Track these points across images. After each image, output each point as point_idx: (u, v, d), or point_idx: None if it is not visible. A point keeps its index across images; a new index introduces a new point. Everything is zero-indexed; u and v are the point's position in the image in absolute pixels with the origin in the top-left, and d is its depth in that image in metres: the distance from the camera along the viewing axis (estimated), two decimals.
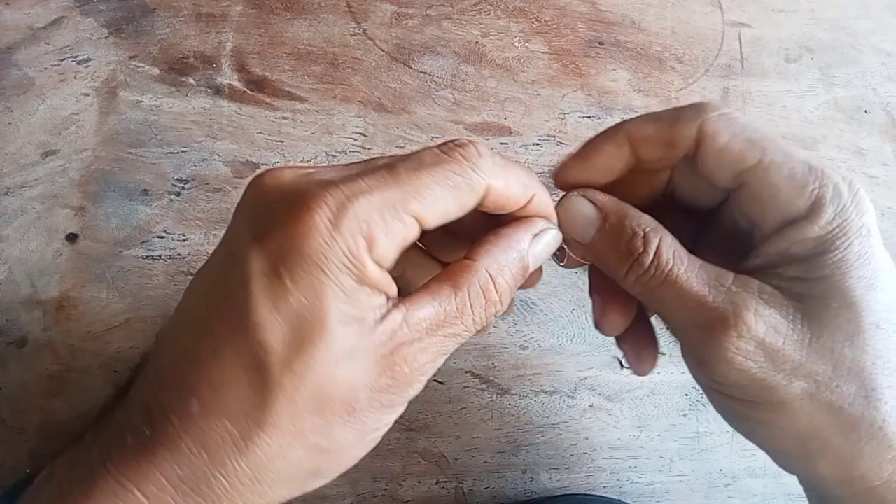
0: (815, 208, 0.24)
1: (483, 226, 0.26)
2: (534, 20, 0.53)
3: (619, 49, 0.53)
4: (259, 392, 0.21)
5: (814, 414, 0.23)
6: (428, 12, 0.52)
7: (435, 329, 0.23)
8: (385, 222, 0.21)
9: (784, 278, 0.24)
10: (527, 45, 0.52)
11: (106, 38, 0.47)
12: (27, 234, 0.42)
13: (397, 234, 0.22)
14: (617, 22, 0.54)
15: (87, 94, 0.46)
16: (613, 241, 0.26)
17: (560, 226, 0.27)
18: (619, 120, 0.51)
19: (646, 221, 0.26)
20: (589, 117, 0.50)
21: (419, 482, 0.40)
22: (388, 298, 0.22)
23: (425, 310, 0.23)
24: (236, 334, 0.21)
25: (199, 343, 0.22)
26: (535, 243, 0.25)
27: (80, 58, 0.46)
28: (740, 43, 0.55)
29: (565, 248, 0.27)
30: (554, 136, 0.49)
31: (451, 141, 0.24)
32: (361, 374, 0.22)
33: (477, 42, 0.51)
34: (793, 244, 0.24)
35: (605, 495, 0.41)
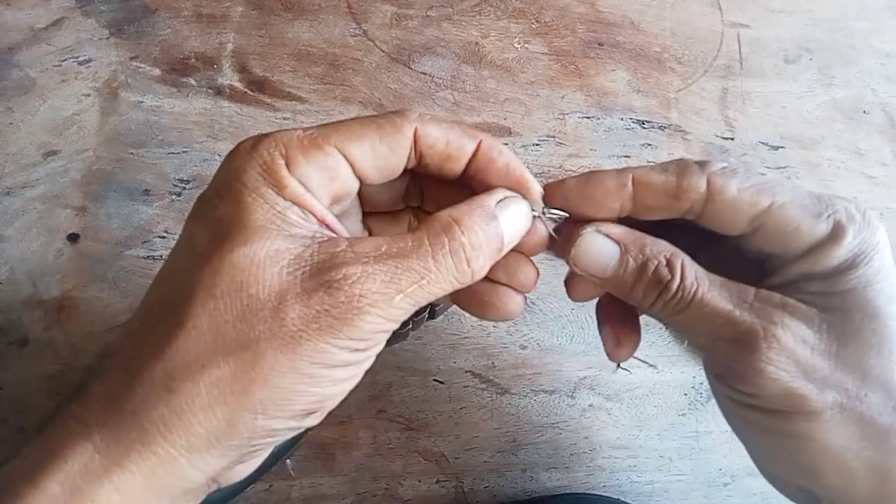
0: (836, 232, 0.24)
1: None
2: (533, 21, 0.53)
3: (619, 50, 0.53)
4: (181, 294, 0.21)
5: (845, 425, 0.23)
6: (428, 13, 0.52)
7: (384, 258, 0.22)
8: (302, 145, 0.22)
9: (806, 293, 0.25)
10: (526, 45, 0.52)
11: (107, 38, 0.47)
12: (28, 234, 0.42)
13: (319, 160, 0.23)
14: (616, 23, 0.54)
15: (89, 95, 0.46)
16: (638, 273, 0.26)
17: (575, 263, 0.27)
18: (618, 120, 0.51)
19: (664, 247, 0.26)
20: (588, 118, 0.50)
21: (419, 481, 0.40)
22: (324, 224, 0.23)
23: (375, 241, 0.23)
24: (174, 258, 0.23)
25: (149, 290, 0.23)
26: (503, 208, 0.25)
27: (81, 58, 0.46)
28: (739, 43, 0.55)
29: (553, 235, 0.27)
30: (554, 137, 0.49)
31: None
32: (289, 279, 0.21)
33: (477, 43, 0.51)
34: (816, 265, 0.25)
35: (604, 494, 0.41)
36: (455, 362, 0.43)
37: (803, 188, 0.26)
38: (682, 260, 0.25)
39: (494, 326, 0.44)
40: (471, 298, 0.28)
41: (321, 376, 0.22)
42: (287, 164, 0.22)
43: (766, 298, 0.25)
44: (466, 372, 0.43)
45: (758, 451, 0.27)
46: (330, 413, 0.40)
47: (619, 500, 0.40)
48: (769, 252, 0.26)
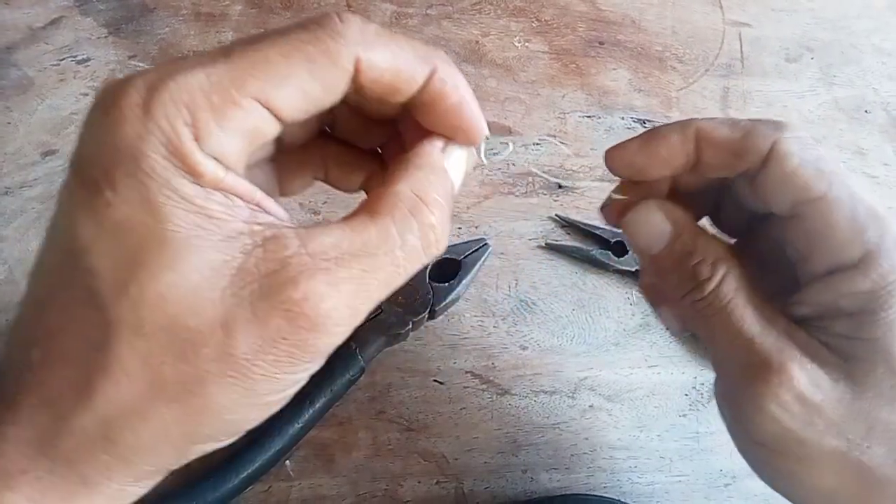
0: (867, 259, 0.22)
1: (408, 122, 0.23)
2: (534, 20, 0.53)
3: (620, 49, 0.53)
4: (99, 329, 0.17)
5: (842, 471, 0.23)
6: (428, 12, 0.52)
7: (349, 261, 0.18)
8: (212, 105, 0.17)
9: (832, 334, 0.23)
10: (527, 44, 0.52)
11: (105, 37, 0.47)
12: (27, 234, 0.42)
13: (235, 122, 0.18)
14: (617, 21, 0.54)
15: (87, 94, 0.46)
16: (680, 260, 0.25)
17: (627, 234, 0.26)
18: (619, 119, 0.51)
19: (715, 248, 0.25)
20: (589, 117, 0.50)
21: (419, 482, 0.40)
22: (256, 206, 0.19)
23: (332, 236, 0.18)
24: (67, 268, 0.18)
25: (39, 288, 0.19)
26: (448, 156, 0.23)
27: (79, 57, 0.46)
28: (741, 42, 0.55)
29: (606, 201, 0.27)
30: (554, 136, 0.49)
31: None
32: (234, 302, 0.17)
33: (477, 41, 0.51)
34: (841, 296, 0.23)
35: (605, 495, 0.41)
36: (455, 363, 0.42)
37: (869, 196, 0.23)
38: (728, 269, 0.24)
39: (495, 327, 0.44)
40: None
41: (278, 402, 0.19)
42: (196, 135, 0.17)
43: (792, 334, 0.23)
44: (466, 372, 0.42)
45: (753, 467, 0.27)
46: (329, 414, 0.40)
47: (619, 500, 0.40)
48: (800, 252, 0.24)
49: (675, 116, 0.51)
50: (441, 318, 0.43)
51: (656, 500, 0.42)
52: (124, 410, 0.17)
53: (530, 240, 0.46)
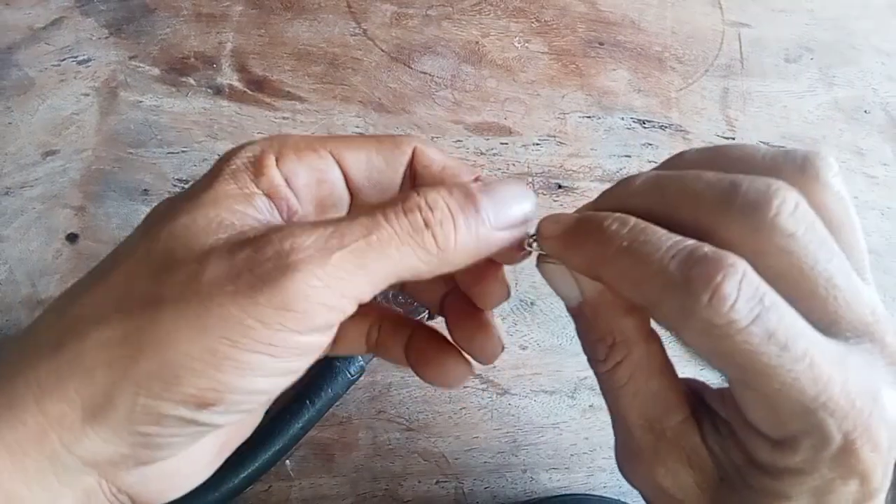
0: (790, 443, 0.18)
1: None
2: (534, 20, 0.53)
3: (619, 49, 0.53)
4: (114, 258, 0.20)
5: None
6: (428, 12, 0.52)
7: (337, 235, 0.18)
8: (297, 147, 0.22)
9: (725, 452, 0.21)
10: (527, 45, 0.52)
11: (106, 38, 0.47)
12: (27, 234, 0.42)
13: (309, 161, 0.22)
14: (617, 22, 0.54)
15: (88, 95, 0.46)
16: (585, 331, 0.23)
17: (544, 277, 0.23)
18: (619, 120, 0.51)
19: (624, 328, 0.21)
20: (589, 117, 0.50)
21: (419, 482, 0.40)
22: (284, 209, 0.21)
23: (328, 222, 0.19)
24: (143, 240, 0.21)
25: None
26: (488, 186, 0.21)
27: (80, 58, 0.46)
28: (740, 43, 0.55)
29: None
30: (554, 137, 0.49)
31: None
32: (219, 248, 0.18)
33: (477, 42, 0.51)
34: (752, 447, 0.20)
35: (605, 495, 0.41)
36: None
37: (818, 361, 0.17)
38: (627, 353, 0.21)
39: None
40: (421, 355, 0.26)
41: (225, 356, 0.17)
42: (277, 159, 0.21)
43: (681, 434, 0.21)
44: None
45: None
46: (329, 413, 0.40)
47: (619, 500, 0.40)
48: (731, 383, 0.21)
49: (675, 117, 0.51)
50: (441, 318, 0.43)
51: None
52: (85, 316, 0.18)
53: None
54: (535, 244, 0.22)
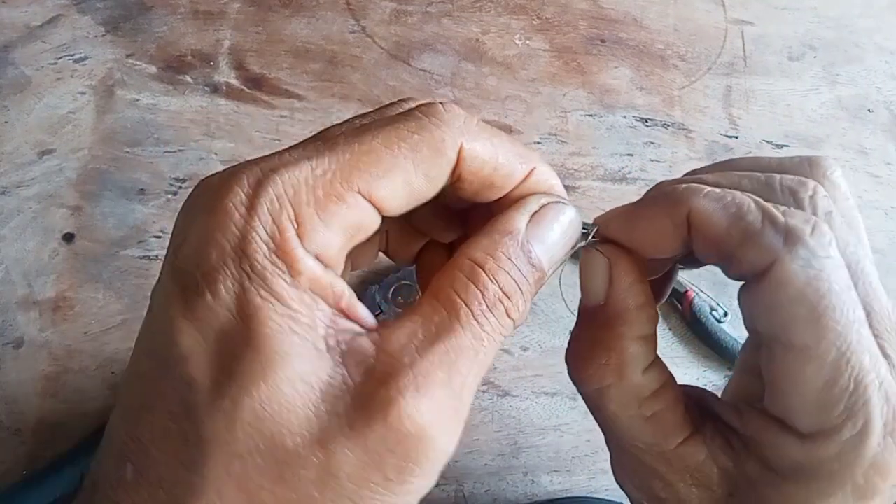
0: (819, 437, 0.18)
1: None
2: (535, 17, 0.52)
3: (621, 47, 0.52)
4: (193, 447, 0.16)
5: None
6: (428, 9, 0.51)
7: (429, 350, 0.17)
8: (317, 200, 0.17)
9: (737, 456, 0.21)
10: (528, 42, 0.52)
11: (103, 36, 0.47)
12: (23, 233, 0.42)
13: (339, 217, 0.17)
14: (619, 19, 0.53)
15: (84, 93, 0.45)
16: (585, 338, 0.23)
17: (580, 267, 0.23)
18: (621, 118, 0.50)
19: (619, 352, 0.21)
20: (591, 115, 0.50)
21: None
22: (339, 310, 0.17)
23: (405, 329, 0.17)
24: (163, 377, 0.16)
25: (134, 396, 0.17)
26: (540, 225, 0.20)
27: (76, 56, 0.46)
28: (743, 41, 0.55)
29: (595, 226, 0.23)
30: (555, 135, 0.49)
31: (409, 100, 0.19)
32: (329, 418, 0.16)
33: (477, 39, 0.51)
34: (773, 447, 0.20)
35: (606, 498, 0.40)
36: None
37: (864, 357, 0.18)
38: (614, 382, 0.21)
39: None
40: None
41: None
42: (299, 233, 0.16)
43: (684, 458, 0.21)
44: None
45: None
46: None
47: (620, 503, 0.40)
48: (764, 378, 0.21)
49: (678, 115, 0.51)
50: None
51: None
52: None
53: None
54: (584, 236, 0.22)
